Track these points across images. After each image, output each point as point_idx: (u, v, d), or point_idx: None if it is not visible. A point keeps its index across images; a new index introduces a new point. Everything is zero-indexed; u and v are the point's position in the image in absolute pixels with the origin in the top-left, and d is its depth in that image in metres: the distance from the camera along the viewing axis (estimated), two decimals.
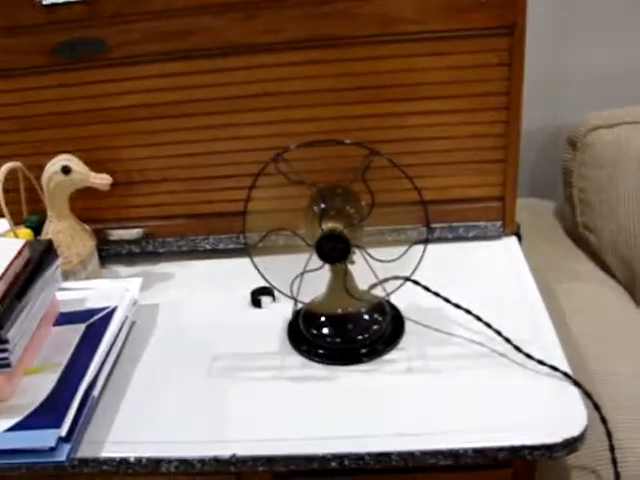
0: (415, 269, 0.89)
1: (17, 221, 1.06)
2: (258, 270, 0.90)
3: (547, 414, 0.80)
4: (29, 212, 1.11)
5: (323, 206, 0.85)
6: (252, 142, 1.06)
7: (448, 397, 0.84)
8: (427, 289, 0.93)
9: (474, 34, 0.97)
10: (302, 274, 0.90)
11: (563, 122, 1.38)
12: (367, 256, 0.87)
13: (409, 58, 0.99)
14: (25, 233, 1.06)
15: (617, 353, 1.06)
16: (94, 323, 0.94)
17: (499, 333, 0.89)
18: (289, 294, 0.92)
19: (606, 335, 1.10)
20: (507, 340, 0.88)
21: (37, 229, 1.07)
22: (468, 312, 0.91)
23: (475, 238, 1.12)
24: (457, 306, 0.92)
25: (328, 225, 0.85)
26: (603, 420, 0.84)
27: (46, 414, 0.79)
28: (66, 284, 1.01)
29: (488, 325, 0.90)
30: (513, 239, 1.12)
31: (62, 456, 0.76)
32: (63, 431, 0.77)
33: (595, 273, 1.28)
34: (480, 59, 0.99)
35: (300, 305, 0.96)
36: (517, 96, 1.01)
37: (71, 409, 0.79)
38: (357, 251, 0.87)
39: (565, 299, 1.15)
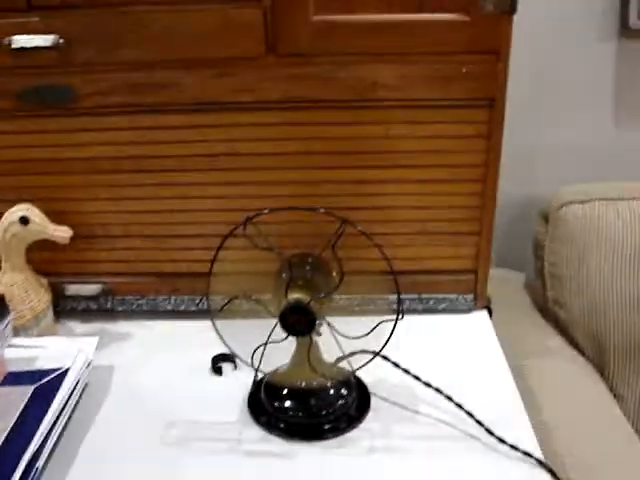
0: (385, 345, 0.85)
1: None
2: (220, 336, 0.86)
3: None
4: None
5: (290, 275, 0.81)
6: (219, 202, 1.03)
7: None
8: (396, 365, 0.90)
9: (454, 105, 0.95)
10: (265, 344, 0.86)
11: (536, 195, 1.38)
12: (334, 331, 0.84)
13: (386, 125, 0.97)
14: None
15: (588, 436, 1.03)
16: (43, 385, 0.88)
17: (471, 415, 0.85)
18: (250, 364, 0.88)
19: (576, 416, 1.07)
20: (479, 423, 0.85)
21: None
22: (438, 391, 0.88)
23: (445, 311, 1.09)
24: (427, 384, 0.88)
25: (294, 296, 0.81)
26: None
27: None
28: (16, 340, 0.95)
29: (459, 406, 0.86)
30: (484, 313, 1.10)
31: None
32: None
33: (564, 349, 1.26)
34: (458, 130, 0.97)
35: (262, 375, 0.91)
36: (494, 169, 0.99)
37: None
38: (324, 324, 0.84)
39: (534, 376, 1.13)
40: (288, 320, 0.81)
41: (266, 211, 0.81)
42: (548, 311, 1.32)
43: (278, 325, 0.82)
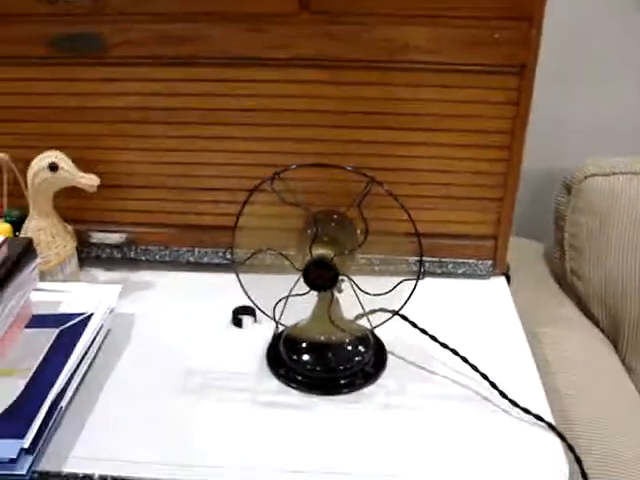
0: (404, 304, 0.86)
1: None
2: (243, 288, 0.87)
3: (528, 465, 0.78)
4: (10, 206, 1.07)
5: (315, 230, 0.82)
6: (246, 157, 1.03)
7: (425, 438, 0.81)
8: (414, 325, 0.91)
9: (484, 70, 0.95)
10: (287, 297, 0.87)
11: (559, 166, 1.38)
12: (355, 287, 0.85)
13: (416, 87, 0.97)
14: (4, 228, 1.02)
15: (598, 405, 1.05)
16: (68, 329, 0.90)
17: (485, 377, 0.87)
18: (271, 316, 0.89)
19: (589, 385, 1.09)
20: (493, 385, 0.86)
21: (17, 224, 1.04)
22: (455, 353, 0.89)
23: (464, 275, 1.10)
24: (444, 345, 0.90)
25: (318, 251, 0.82)
26: (584, 475, 0.82)
27: (10, 423, 0.75)
28: (42, 285, 0.97)
29: (474, 368, 0.88)
30: (502, 280, 1.10)
31: (23, 469, 0.72)
32: (26, 442, 0.73)
33: (580, 320, 1.27)
34: (487, 95, 0.97)
35: (282, 328, 0.93)
36: (521, 136, 0.99)
37: (37, 419, 0.75)
38: (346, 280, 0.85)
39: (549, 345, 1.14)
40: (311, 275, 0.82)
41: (293, 166, 0.81)
42: (566, 282, 1.33)
43: (300, 280, 0.83)
